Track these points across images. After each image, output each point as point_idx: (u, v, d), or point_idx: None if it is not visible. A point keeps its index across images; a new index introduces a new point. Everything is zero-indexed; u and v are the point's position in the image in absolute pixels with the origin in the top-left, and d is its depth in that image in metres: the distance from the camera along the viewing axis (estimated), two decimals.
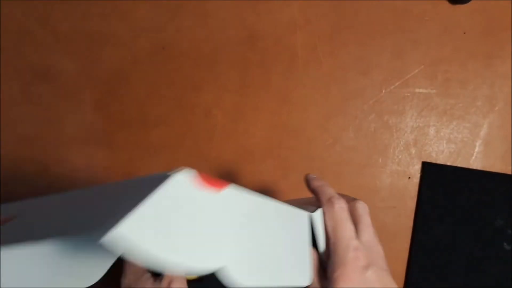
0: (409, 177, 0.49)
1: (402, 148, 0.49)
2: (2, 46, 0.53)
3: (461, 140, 0.48)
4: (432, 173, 0.48)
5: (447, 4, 0.47)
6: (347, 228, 0.31)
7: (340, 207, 0.31)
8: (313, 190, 0.33)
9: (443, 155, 0.49)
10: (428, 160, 0.49)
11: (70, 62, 0.53)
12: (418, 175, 0.49)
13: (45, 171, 0.53)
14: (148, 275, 0.35)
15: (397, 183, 0.49)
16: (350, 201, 0.32)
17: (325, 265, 0.31)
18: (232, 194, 0.24)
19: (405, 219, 0.49)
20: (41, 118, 0.53)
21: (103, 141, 0.52)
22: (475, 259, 0.48)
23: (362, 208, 0.32)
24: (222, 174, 0.50)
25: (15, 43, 0.53)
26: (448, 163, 0.48)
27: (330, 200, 0.32)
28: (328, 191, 0.32)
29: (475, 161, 0.48)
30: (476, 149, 0.48)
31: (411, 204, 0.49)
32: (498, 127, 0.48)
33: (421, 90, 0.48)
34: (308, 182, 0.34)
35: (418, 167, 0.49)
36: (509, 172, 0.47)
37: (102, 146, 0.52)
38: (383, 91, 0.49)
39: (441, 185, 0.48)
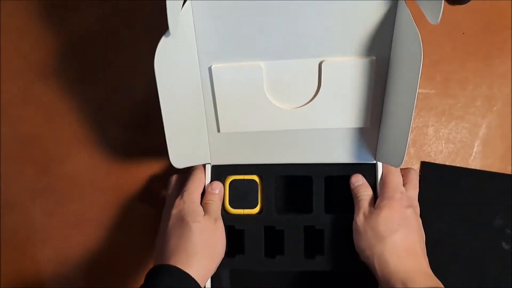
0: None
1: None
2: (2, 46, 0.54)
3: (460, 140, 0.49)
4: (431, 173, 0.48)
5: (446, 4, 0.47)
6: (396, 177, 0.42)
7: (397, 171, 0.42)
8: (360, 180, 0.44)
9: (442, 155, 0.49)
10: (427, 160, 0.49)
11: (70, 62, 0.53)
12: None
13: (45, 171, 0.53)
14: (201, 211, 0.42)
15: None
16: (404, 168, 0.43)
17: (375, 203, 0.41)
18: None
19: None
20: (41, 118, 0.53)
21: (103, 141, 0.52)
22: (474, 259, 0.48)
23: (414, 172, 0.43)
24: None
25: (15, 43, 0.53)
26: (447, 163, 0.48)
27: (389, 171, 0.42)
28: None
29: (474, 161, 0.48)
30: (475, 149, 0.48)
31: None
32: (497, 127, 0.48)
33: (420, 90, 0.48)
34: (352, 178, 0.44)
35: (417, 167, 0.49)
36: (508, 172, 0.48)
37: (102, 147, 0.52)
38: None
39: (440, 185, 0.48)
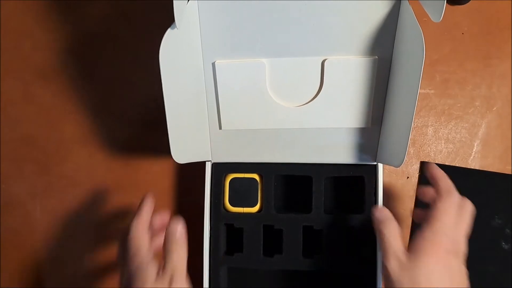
0: (408, 177, 0.49)
1: None
2: (2, 46, 0.54)
3: (460, 140, 0.49)
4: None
5: (446, 4, 0.48)
6: (451, 217, 0.35)
7: (454, 200, 0.36)
8: (432, 177, 0.38)
9: (441, 155, 0.49)
10: (426, 160, 0.49)
11: (70, 62, 0.53)
12: (417, 175, 0.49)
13: (45, 171, 0.53)
14: (152, 270, 0.34)
15: (396, 183, 0.49)
16: (462, 198, 0.37)
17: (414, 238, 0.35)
18: None
19: (403, 218, 0.49)
20: (41, 118, 0.53)
21: (103, 141, 0.52)
22: (473, 258, 0.48)
23: (469, 207, 0.37)
24: None
25: (15, 43, 0.53)
26: (447, 163, 0.49)
27: (448, 191, 0.36)
28: (448, 182, 0.37)
29: (473, 161, 0.48)
30: (474, 149, 0.48)
31: (409, 203, 0.49)
32: (496, 127, 0.48)
33: (419, 90, 0.48)
34: (428, 168, 0.39)
35: (416, 167, 0.49)
36: (507, 172, 0.48)
37: (102, 146, 0.52)
38: None
39: None
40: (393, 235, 0.35)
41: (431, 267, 0.33)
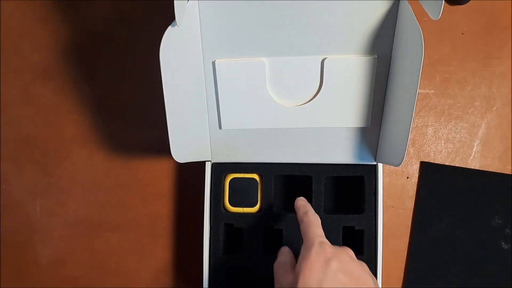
0: (408, 177, 0.49)
1: None
2: (2, 46, 0.54)
3: (459, 140, 0.49)
4: (430, 173, 0.48)
5: (446, 4, 0.48)
6: (317, 229, 0.35)
7: (313, 217, 0.36)
8: (298, 215, 0.38)
9: (441, 155, 0.49)
10: (426, 160, 0.49)
11: (70, 62, 0.53)
12: (417, 175, 0.49)
13: (45, 171, 0.53)
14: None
15: (396, 183, 0.49)
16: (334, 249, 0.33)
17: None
18: None
19: (403, 218, 0.49)
20: (41, 118, 0.53)
21: (103, 141, 0.52)
22: (473, 258, 0.48)
23: (344, 257, 0.33)
24: None
25: (15, 43, 0.53)
26: (446, 163, 0.49)
27: (306, 213, 0.37)
28: (306, 208, 0.38)
29: (473, 160, 0.48)
30: (474, 149, 0.48)
31: (409, 203, 0.49)
32: (496, 127, 0.48)
33: (419, 90, 0.48)
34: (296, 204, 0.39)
35: (416, 167, 0.49)
36: (507, 172, 0.48)
37: (102, 146, 0.52)
38: None
39: (439, 184, 0.48)
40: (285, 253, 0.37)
41: (307, 277, 0.31)
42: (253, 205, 0.45)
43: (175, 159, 0.39)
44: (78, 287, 0.53)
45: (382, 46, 0.38)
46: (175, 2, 0.32)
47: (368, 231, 0.43)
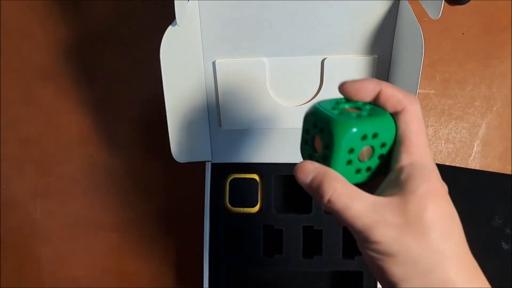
0: None
1: None
2: (2, 46, 0.54)
3: (460, 140, 0.49)
4: None
5: (446, 4, 0.47)
6: (426, 136, 0.24)
7: (420, 108, 0.24)
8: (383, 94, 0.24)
9: (441, 155, 0.49)
10: None
11: (70, 62, 0.53)
12: None
13: (45, 171, 0.53)
14: None
15: None
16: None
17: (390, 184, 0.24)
18: None
19: None
20: (41, 118, 0.53)
21: (103, 141, 0.52)
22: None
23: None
24: None
25: (15, 43, 0.53)
26: (447, 163, 0.49)
27: (415, 99, 0.24)
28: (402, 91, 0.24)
29: (474, 161, 0.48)
30: (475, 149, 0.48)
31: None
32: (496, 127, 0.48)
33: (419, 90, 0.48)
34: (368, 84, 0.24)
35: None
36: (507, 172, 0.48)
37: (102, 146, 0.52)
38: None
39: None
40: (348, 194, 0.22)
41: (440, 213, 0.22)
42: (253, 206, 0.45)
43: (175, 159, 0.39)
44: (78, 287, 0.53)
45: (382, 46, 0.38)
46: (175, 1, 0.32)
47: None
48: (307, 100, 0.41)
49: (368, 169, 0.25)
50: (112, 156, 0.52)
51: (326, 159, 0.24)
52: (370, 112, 0.24)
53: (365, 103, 0.25)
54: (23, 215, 0.54)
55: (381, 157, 0.25)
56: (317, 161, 0.25)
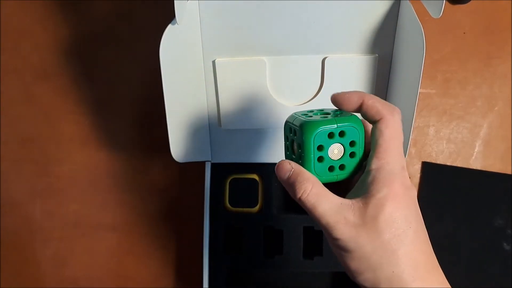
0: (409, 177, 0.49)
1: None
2: (2, 46, 0.54)
3: (461, 140, 0.48)
4: (431, 173, 0.48)
5: (447, 4, 0.47)
6: (401, 144, 0.26)
7: (400, 118, 0.27)
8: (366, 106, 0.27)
9: (442, 155, 0.49)
10: (428, 160, 0.49)
11: (70, 62, 0.53)
12: (418, 175, 0.49)
13: (45, 171, 0.53)
14: None
15: None
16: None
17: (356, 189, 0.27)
18: None
19: None
20: (41, 118, 0.53)
21: (103, 141, 0.52)
22: (474, 259, 0.48)
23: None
24: None
25: (15, 42, 0.53)
26: (448, 163, 0.48)
27: (395, 109, 0.27)
28: (386, 102, 0.27)
29: (475, 161, 0.48)
30: (476, 149, 0.48)
31: None
32: (497, 127, 0.48)
33: (420, 90, 0.47)
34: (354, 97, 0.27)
35: (418, 167, 0.49)
36: (508, 172, 0.48)
37: (102, 146, 0.52)
38: None
39: (440, 185, 0.48)
40: (316, 192, 0.26)
41: (395, 214, 0.24)
42: (253, 206, 0.45)
43: (175, 159, 0.39)
44: (78, 287, 0.53)
45: (383, 45, 0.38)
46: (175, 1, 0.32)
47: None
48: (307, 100, 0.41)
49: (342, 167, 0.28)
50: (112, 156, 0.52)
51: (300, 158, 0.27)
52: (337, 115, 0.27)
53: (336, 111, 0.28)
54: (22, 215, 0.53)
55: (353, 155, 0.27)
56: (296, 162, 0.27)
